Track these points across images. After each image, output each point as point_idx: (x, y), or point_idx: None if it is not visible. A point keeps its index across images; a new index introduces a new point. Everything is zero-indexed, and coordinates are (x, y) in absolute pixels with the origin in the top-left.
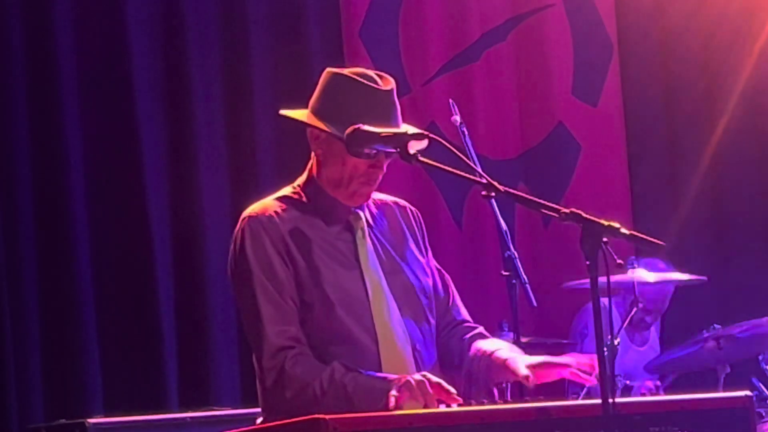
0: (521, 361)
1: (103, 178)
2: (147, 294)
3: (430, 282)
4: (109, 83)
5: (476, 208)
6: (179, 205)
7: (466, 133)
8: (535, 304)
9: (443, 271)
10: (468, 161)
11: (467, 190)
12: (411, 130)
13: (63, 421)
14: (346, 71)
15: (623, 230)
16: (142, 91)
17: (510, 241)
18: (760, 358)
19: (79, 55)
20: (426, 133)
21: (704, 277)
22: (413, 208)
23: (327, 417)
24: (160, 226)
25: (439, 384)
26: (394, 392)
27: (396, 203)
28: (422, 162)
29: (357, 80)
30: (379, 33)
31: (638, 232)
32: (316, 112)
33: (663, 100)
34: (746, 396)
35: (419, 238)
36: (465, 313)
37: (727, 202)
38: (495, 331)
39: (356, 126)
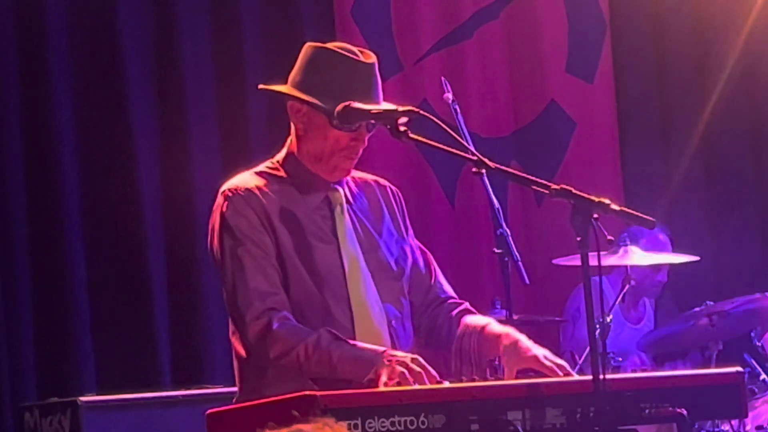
0: (513, 347)
1: (95, 158)
2: (139, 272)
3: (410, 261)
4: (99, 61)
5: (469, 185)
6: (171, 184)
7: (459, 110)
8: (527, 281)
9: (425, 250)
10: (459, 138)
11: (460, 167)
12: (390, 106)
13: (55, 399)
14: (327, 45)
15: (613, 206)
16: (133, 70)
17: (502, 218)
18: (753, 334)
19: (69, 33)
20: (418, 110)
21: (696, 257)
22: (393, 187)
23: (318, 394)
24: (153, 206)
25: (433, 377)
26: (391, 369)
27: (376, 182)
28: (412, 139)
29: (338, 53)
30: (371, 11)
31: (631, 209)
32: (296, 86)
33: (655, 77)
34: (738, 372)
35: (399, 217)
36: (449, 290)
37: (720, 178)
38: (487, 309)
39: (347, 103)
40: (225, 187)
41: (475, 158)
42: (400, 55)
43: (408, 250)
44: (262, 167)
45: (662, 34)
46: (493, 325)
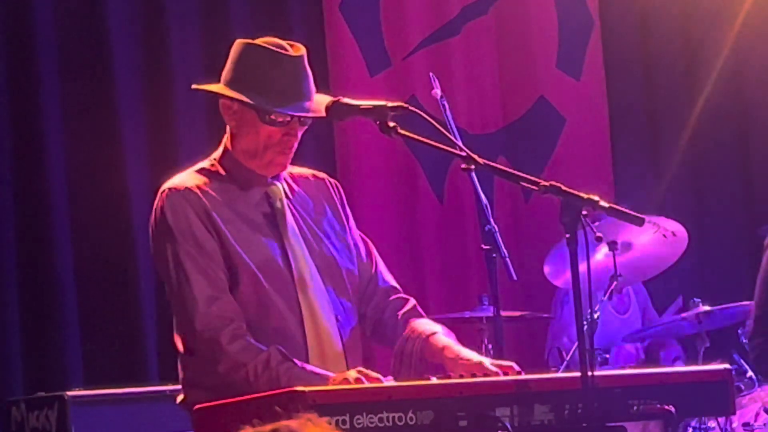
0: (456, 360)
1: (83, 152)
2: (127, 267)
3: (353, 253)
4: (87, 58)
5: (457, 182)
6: (159, 178)
7: (447, 106)
8: (515, 277)
9: (366, 239)
10: (448, 134)
11: (448, 164)
12: (325, 98)
13: (42, 394)
14: (255, 41)
15: (603, 203)
16: (122, 70)
17: (490, 214)
18: (740, 332)
19: (57, 28)
20: (406, 106)
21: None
22: (332, 180)
23: (306, 390)
24: (140, 200)
25: (377, 379)
26: None
27: (315, 176)
28: (401, 135)
29: (265, 48)
30: (359, 7)
31: (619, 205)
32: (227, 83)
33: (644, 74)
34: (725, 369)
35: (339, 209)
36: (391, 280)
37: (707, 175)
38: (475, 305)
39: (336, 98)
40: (165, 185)
41: (464, 154)
42: (389, 51)
43: (350, 242)
44: (201, 165)
45: (651, 30)
46: (439, 336)
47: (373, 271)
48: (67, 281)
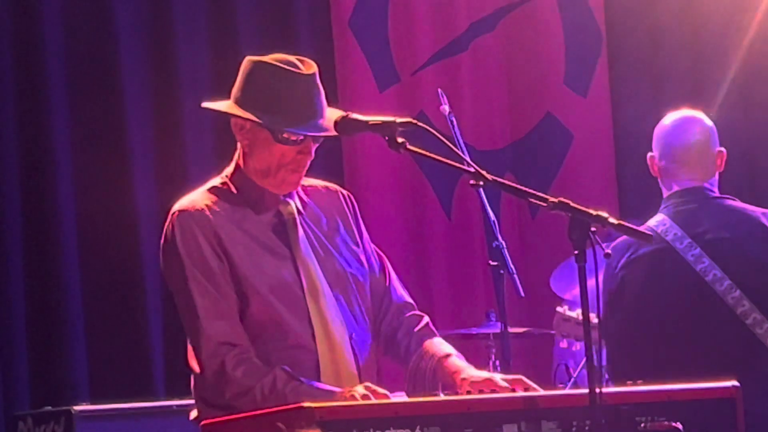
0: (467, 382)
1: (90, 166)
2: (133, 281)
3: (366, 267)
4: (95, 69)
5: (466, 197)
6: (166, 194)
7: (455, 122)
8: (522, 294)
9: (380, 253)
10: (456, 150)
11: (457, 179)
12: (335, 113)
13: (49, 408)
14: (266, 58)
15: (611, 220)
16: (130, 84)
17: (498, 230)
18: None
19: (65, 38)
20: (416, 121)
21: None
22: (344, 192)
23: (313, 406)
24: (147, 215)
25: (385, 395)
26: None
27: (326, 188)
28: (410, 150)
29: (277, 66)
30: (368, 23)
31: (626, 222)
32: (238, 102)
33: (652, 92)
34: (734, 386)
35: (352, 222)
36: (405, 295)
37: None
38: (482, 321)
39: (345, 114)
40: (176, 207)
41: (472, 170)
42: (397, 67)
43: (363, 256)
44: (212, 183)
45: (659, 47)
46: (453, 359)
47: (387, 284)
48: (74, 296)
